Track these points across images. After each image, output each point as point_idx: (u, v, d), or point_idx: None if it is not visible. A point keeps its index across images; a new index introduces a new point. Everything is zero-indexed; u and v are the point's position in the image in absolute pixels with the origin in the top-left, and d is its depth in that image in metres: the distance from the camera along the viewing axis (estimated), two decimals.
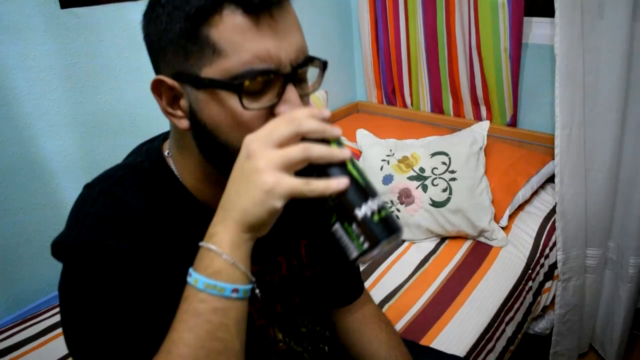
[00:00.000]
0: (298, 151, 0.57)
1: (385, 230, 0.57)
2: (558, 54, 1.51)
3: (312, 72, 0.72)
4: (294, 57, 0.64)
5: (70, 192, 1.62)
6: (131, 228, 0.70)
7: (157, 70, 0.69)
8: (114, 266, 0.67)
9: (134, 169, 0.76)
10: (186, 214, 0.76)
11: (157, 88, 0.67)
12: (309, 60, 0.67)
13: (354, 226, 0.57)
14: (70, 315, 0.70)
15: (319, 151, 0.58)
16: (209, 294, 0.59)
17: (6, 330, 1.48)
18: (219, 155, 0.68)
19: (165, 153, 0.78)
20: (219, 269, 0.59)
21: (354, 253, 0.58)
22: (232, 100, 0.63)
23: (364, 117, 2.45)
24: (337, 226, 0.59)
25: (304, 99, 0.69)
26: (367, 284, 1.57)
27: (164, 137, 0.81)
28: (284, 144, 0.58)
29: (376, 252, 0.58)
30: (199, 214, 0.76)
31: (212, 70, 0.62)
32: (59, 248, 0.71)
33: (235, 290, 0.59)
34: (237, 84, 0.62)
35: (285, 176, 0.56)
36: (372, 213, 0.57)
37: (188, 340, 0.59)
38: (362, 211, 0.57)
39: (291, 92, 0.65)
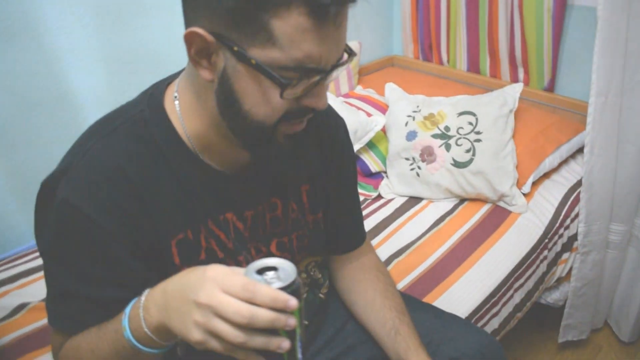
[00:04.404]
0: (242, 312, 0.56)
1: None
2: (600, 16, 1.42)
3: None
4: (336, 59, 0.67)
5: None
6: (114, 196, 0.73)
7: (191, 17, 0.67)
8: (84, 236, 0.72)
9: (132, 119, 0.77)
10: (183, 171, 0.78)
11: (191, 38, 0.66)
12: (345, 60, 0.70)
13: None
14: (43, 259, 0.79)
15: (262, 322, 0.57)
16: (132, 343, 0.68)
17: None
18: (237, 119, 0.70)
19: (173, 95, 0.78)
20: (143, 336, 0.67)
21: None
22: (271, 87, 0.65)
23: (398, 71, 2.39)
24: None
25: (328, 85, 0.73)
26: (379, 238, 1.58)
27: (169, 81, 0.81)
28: (232, 295, 0.57)
29: None
30: (196, 172, 0.79)
31: (260, 53, 0.63)
32: (43, 191, 0.76)
33: (151, 348, 0.68)
34: (284, 82, 0.63)
35: (216, 320, 0.57)
36: None
37: (100, 351, 0.73)
38: None
39: (321, 87, 0.69)
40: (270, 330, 0.58)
